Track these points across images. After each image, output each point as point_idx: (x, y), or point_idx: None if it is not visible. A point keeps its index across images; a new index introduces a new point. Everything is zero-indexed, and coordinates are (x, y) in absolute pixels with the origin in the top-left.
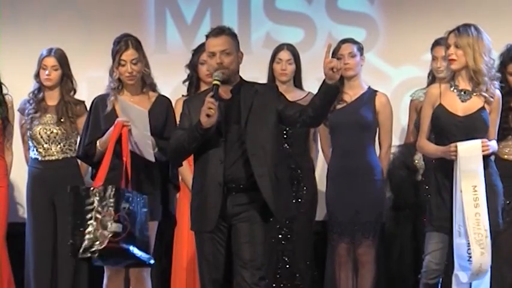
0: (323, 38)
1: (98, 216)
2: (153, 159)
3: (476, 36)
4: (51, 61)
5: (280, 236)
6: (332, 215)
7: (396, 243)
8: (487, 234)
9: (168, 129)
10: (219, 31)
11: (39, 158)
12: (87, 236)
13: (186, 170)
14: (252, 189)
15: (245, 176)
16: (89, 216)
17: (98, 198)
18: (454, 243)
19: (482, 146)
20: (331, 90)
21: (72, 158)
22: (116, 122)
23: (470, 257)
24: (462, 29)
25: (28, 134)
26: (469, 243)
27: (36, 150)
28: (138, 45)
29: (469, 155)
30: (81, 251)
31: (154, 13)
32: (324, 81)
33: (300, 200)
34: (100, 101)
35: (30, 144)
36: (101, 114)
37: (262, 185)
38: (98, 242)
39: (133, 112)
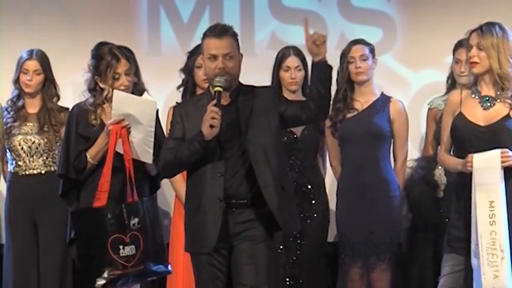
0: (335, 39)
1: (107, 240)
2: (150, 161)
3: (501, 36)
4: (33, 65)
5: (286, 258)
6: (343, 236)
7: (415, 267)
8: (503, 256)
9: (157, 136)
10: (221, 31)
11: (19, 173)
12: (98, 264)
13: (180, 185)
14: (255, 204)
15: (247, 190)
16: (97, 241)
17: (104, 220)
18: (472, 264)
19: (502, 157)
20: (322, 68)
21: (56, 171)
22: (110, 128)
23: None
24: (485, 28)
25: (6, 145)
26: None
27: (16, 163)
28: (125, 54)
29: (485, 166)
30: (96, 283)
31: (147, 11)
32: (312, 62)
33: (310, 220)
34: (81, 113)
35: (9, 156)
36: (81, 125)
37: (268, 196)
38: (111, 269)
39: (136, 105)
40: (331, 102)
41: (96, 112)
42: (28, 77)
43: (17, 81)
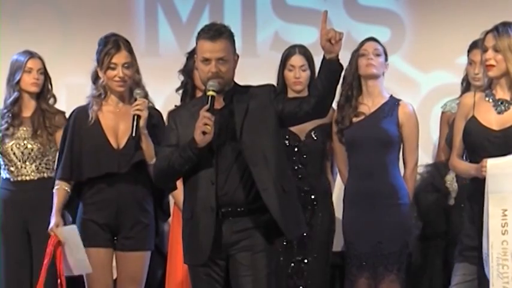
0: None
1: None
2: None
3: None
4: (37, 63)
5: (290, 270)
6: (350, 245)
7: (424, 278)
8: None
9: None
10: (216, 34)
11: (11, 179)
12: None
13: (178, 191)
14: (253, 211)
15: (244, 197)
16: None
17: None
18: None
19: None
20: (332, 66)
21: (49, 178)
22: (51, 234)
23: None
24: (502, 29)
25: None
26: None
27: (8, 169)
28: (130, 47)
29: (498, 172)
30: None
31: (144, 10)
32: (323, 57)
33: (314, 229)
34: (80, 113)
35: (1, 162)
36: (80, 128)
37: (268, 200)
38: None
39: (78, 253)
40: (337, 104)
41: (93, 108)
42: (36, 76)
43: (18, 83)
